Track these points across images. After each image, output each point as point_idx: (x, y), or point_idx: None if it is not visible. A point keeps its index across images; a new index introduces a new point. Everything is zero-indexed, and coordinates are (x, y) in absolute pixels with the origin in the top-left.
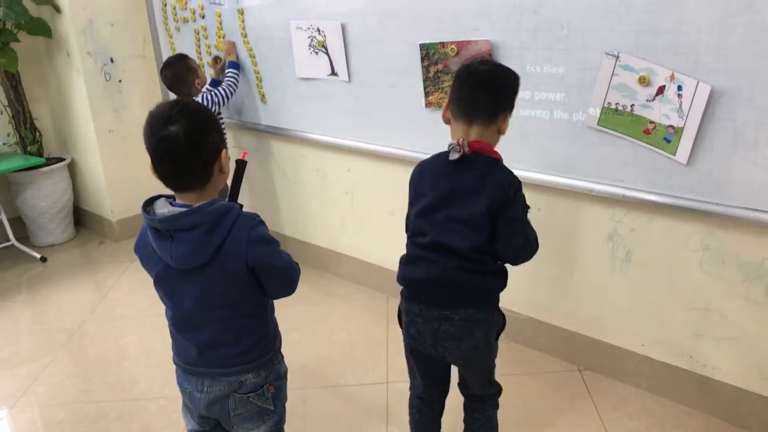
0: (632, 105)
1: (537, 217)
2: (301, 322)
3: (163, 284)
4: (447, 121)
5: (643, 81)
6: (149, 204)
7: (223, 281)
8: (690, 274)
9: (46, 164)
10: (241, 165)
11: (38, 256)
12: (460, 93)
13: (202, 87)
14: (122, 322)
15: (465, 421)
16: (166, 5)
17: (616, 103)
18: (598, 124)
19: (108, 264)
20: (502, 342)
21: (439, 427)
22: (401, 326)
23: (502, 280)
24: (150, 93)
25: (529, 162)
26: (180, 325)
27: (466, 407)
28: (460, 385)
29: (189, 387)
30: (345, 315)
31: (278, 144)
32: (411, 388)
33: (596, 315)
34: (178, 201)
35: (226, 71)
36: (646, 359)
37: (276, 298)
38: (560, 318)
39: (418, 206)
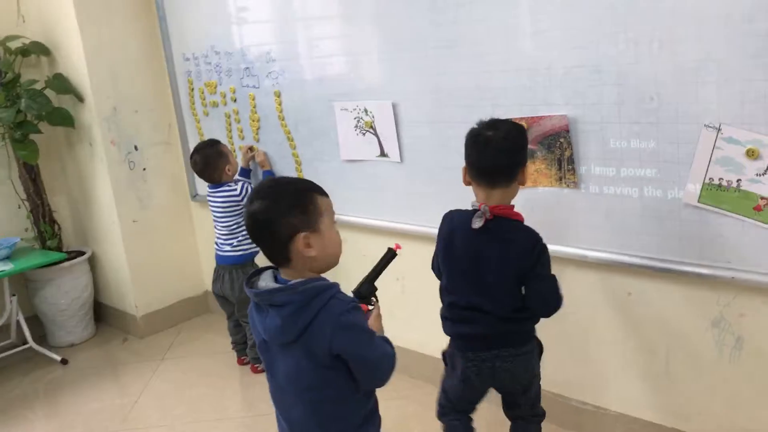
0: (738, 180)
1: (626, 301)
2: None
3: (263, 353)
4: (468, 184)
5: (752, 154)
6: (256, 275)
7: (309, 362)
8: None
9: (67, 259)
10: (389, 253)
11: (58, 358)
12: (476, 162)
13: (233, 174)
14: None
15: None
16: (193, 90)
17: (720, 179)
18: (698, 202)
19: (134, 364)
20: None
21: None
22: (446, 364)
23: (533, 324)
24: (176, 181)
25: (614, 244)
26: (275, 399)
27: (512, 428)
28: (507, 410)
29: None
30: (401, 414)
31: None
32: (443, 405)
33: (699, 409)
34: (280, 276)
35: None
36: None
37: (366, 387)
38: (655, 413)
39: (450, 267)
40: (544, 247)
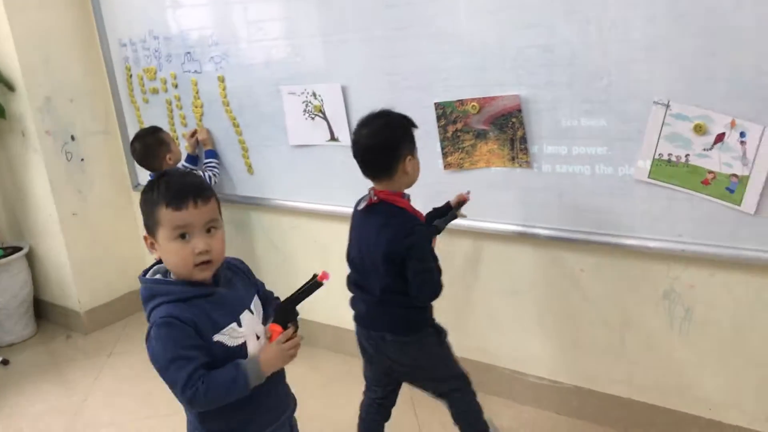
0: (687, 155)
1: (580, 278)
2: (316, 412)
3: None
4: None
5: (699, 129)
6: None
7: None
8: (762, 330)
9: (2, 255)
10: (312, 282)
11: None
12: (356, 159)
13: (174, 163)
14: (113, 431)
15: (451, 416)
16: (131, 76)
17: (669, 154)
18: (649, 177)
19: (80, 361)
20: (547, 416)
21: (383, 430)
22: None
23: (419, 312)
24: (116, 171)
25: (567, 221)
26: None
27: (449, 408)
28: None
29: None
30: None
31: (267, 216)
32: (364, 392)
33: (654, 379)
34: None
35: (206, 160)
36: (715, 423)
37: None
38: (611, 385)
39: (349, 244)
40: (417, 240)
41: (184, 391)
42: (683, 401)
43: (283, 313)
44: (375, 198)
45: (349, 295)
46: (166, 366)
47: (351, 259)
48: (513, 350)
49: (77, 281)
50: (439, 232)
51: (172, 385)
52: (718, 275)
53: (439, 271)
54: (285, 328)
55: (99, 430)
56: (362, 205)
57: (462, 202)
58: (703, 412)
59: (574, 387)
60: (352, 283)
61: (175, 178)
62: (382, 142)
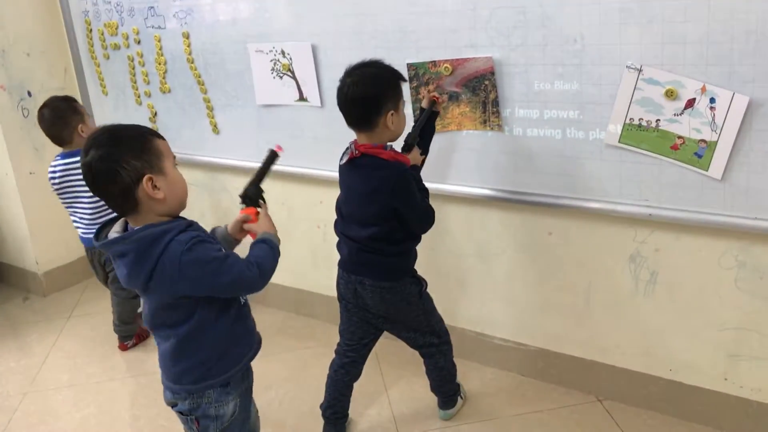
0: (658, 120)
1: (548, 241)
2: (280, 375)
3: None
4: None
5: (670, 94)
6: (109, 224)
7: (161, 305)
8: (723, 292)
9: None
10: (271, 155)
11: None
12: (339, 108)
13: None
14: (73, 392)
15: (425, 369)
16: (91, 31)
17: (640, 119)
18: (619, 142)
19: (39, 324)
20: (511, 378)
21: (351, 390)
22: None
23: (401, 260)
24: None
25: (536, 185)
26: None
27: (423, 360)
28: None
29: None
30: (329, 361)
31: (233, 178)
32: (336, 350)
33: (617, 341)
34: (130, 225)
35: None
36: (675, 384)
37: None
38: (575, 347)
39: (339, 195)
40: (403, 187)
41: (250, 269)
42: (645, 362)
43: (254, 193)
44: (356, 152)
45: (313, 260)
46: (219, 268)
47: (340, 211)
48: (478, 312)
49: (35, 242)
50: (418, 140)
51: (238, 276)
52: (684, 239)
53: (427, 196)
54: (257, 206)
55: (58, 391)
56: (344, 160)
57: (434, 100)
58: (664, 373)
59: (539, 349)
60: (340, 230)
61: (126, 124)
62: (365, 94)
